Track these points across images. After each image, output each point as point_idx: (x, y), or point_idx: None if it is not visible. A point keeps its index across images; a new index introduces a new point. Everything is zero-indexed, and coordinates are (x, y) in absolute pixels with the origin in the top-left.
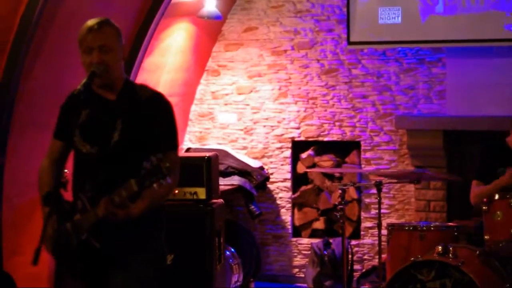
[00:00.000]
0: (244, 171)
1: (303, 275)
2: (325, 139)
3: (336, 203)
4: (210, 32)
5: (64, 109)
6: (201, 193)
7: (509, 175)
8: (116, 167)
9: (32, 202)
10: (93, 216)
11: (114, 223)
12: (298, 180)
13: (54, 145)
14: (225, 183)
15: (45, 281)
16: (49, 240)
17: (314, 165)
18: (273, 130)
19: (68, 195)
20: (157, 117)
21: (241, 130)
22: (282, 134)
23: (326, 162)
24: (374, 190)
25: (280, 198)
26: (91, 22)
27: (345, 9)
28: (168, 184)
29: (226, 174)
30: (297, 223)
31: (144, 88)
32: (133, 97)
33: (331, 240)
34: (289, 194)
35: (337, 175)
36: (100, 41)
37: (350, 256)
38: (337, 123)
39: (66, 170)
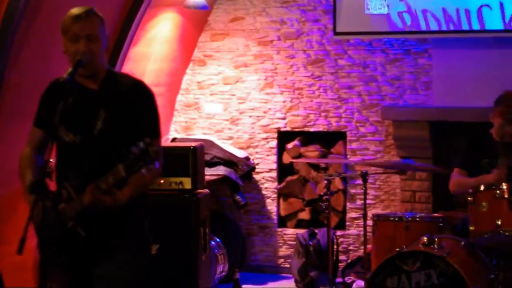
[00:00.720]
0: (229, 161)
1: (288, 266)
2: (311, 129)
3: (322, 193)
4: (196, 22)
5: (45, 97)
6: (187, 183)
7: (496, 175)
8: (100, 155)
9: (17, 192)
10: (79, 204)
11: (99, 211)
12: (283, 170)
13: (35, 133)
14: (210, 173)
15: (30, 270)
16: (37, 227)
17: (299, 156)
18: (259, 120)
19: (52, 184)
20: (139, 105)
21: (227, 120)
22: (268, 125)
23: (312, 152)
24: (359, 181)
25: (266, 188)
26: (76, 10)
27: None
28: (156, 169)
29: (211, 164)
30: (282, 213)
31: (125, 76)
32: (115, 86)
33: (316, 231)
34: (275, 184)
35: (322, 165)
36: (88, 30)
37: (335, 246)
38: (323, 114)
39: (51, 160)
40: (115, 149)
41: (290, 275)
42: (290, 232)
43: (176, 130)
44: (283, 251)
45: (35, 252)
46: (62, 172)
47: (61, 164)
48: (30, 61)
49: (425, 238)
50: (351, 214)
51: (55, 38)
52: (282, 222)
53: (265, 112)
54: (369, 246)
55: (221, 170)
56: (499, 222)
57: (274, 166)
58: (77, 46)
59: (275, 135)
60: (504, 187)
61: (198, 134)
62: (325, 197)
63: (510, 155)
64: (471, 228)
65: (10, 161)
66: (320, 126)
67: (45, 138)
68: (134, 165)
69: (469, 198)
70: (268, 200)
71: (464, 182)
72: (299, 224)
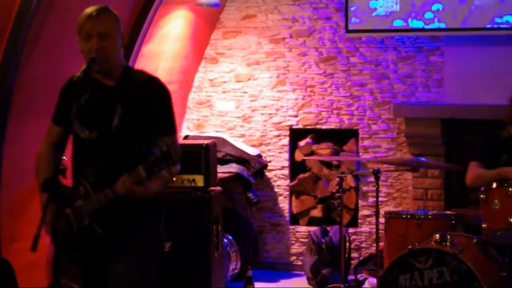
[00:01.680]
0: (242, 158)
1: (300, 263)
2: (323, 127)
3: (334, 191)
4: (209, 19)
5: (63, 94)
6: (199, 180)
7: None
8: (117, 151)
9: (30, 189)
10: (99, 200)
11: (116, 208)
12: (296, 168)
13: (53, 130)
14: (223, 170)
15: (43, 267)
16: (49, 226)
17: (312, 153)
18: (271, 118)
19: (67, 182)
20: (155, 101)
21: (239, 117)
22: (280, 122)
23: (324, 150)
24: (371, 178)
25: (278, 186)
26: (90, 9)
27: None
28: (176, 170)
29: (224, 161)
30: (294, 211)
31: (141, 73)
32: (131, 82)
33: (328, 228)
34: (287, 182)
35: (335, 163)
36: (100, 28)
37: (347, 244)
38: (335, 111)
39: (64, 157)
40: (131, 145)
41: (303, 273)
42: (302, 229)
43: (188, 128)
44: (295, 248)
45: (48, 250)
46: (79, 168)
47: (78, 160)
48: (42, 60)
49: (438, 235)
50: (363, 212)
51: (67, 37)
52: (294, 219)
53: (277, 110)
54: (381, 244)
55: (233, 168)
56: None
57: (286, 163)
58: (90, 44)
59: (287, 133)
60: None
61: (210, 131)
62: (337, 194)
63: None
64: (483, 225)
65: (22, 159)
66: (332, 123)
67: (62, 135)
68: (155, 166)
69: (481, 196)
70: (280, 198)
71: (484, 174)
72: (311, 222)
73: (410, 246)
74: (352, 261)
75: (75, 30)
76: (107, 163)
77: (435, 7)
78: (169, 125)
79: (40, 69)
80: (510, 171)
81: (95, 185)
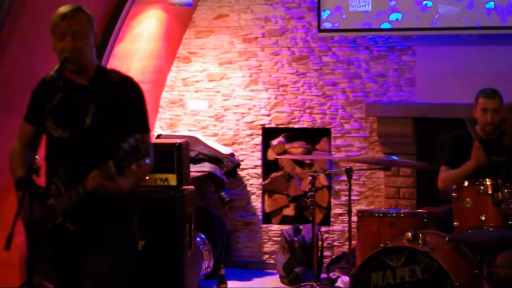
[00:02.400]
0: (214, 157)
1: (273, 262)
2: (296, 126)
3: (307, 189)
4: (181, 19)
5: (36, 93)
6: (172, 179)
7: (474, 159)
8: (89, 151)
9: (3, 188)
10: (71, 198)
11: (88, 206)
12: (268, 167)
13: (25, 129)
14: (196, 169)
15: (16, 266)
16: (25, 224)
17: (284, 152)
18: (243, 117)
19: (40, 181)
20: (129, 100)
21: (212, 117)
22: (253, 121)
23: (296, 149)
24: (344, 177)
25: (251, 184)
26: (64, 9)
27: None
28: (146, 164)
29: (196, 160)
30: (267, 209)
31: (114, 72)
32: (104, 82)
33: (301, 227)
34: (260, 180)
35: (307, 162)
36: (74, 28)
37: (320, 242)
38: (307, 110)
39: (37, 157)
40: (104, 144)
41: (275, 271)
42: (275, 228)
43: (161, 127)
44: (268, 247)
45: (21, 249)
46: (52, 167)
47: (51, 159)
48: (15, 57)
49: (410, 233)
50: (335, 210)
51: (41, 34)
52: (267, 218)
53: (249, 109)
54: (354, 242)
55: (206, 167)
56: (483, 218)
57: (259, 162)
58: (64, 44)
59: (260, 132)
60: (488, 183)
61: (183, 130)
62: (309, 193)
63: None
64: (455, 223)
65: None
66: (304, 122)
67: (35, 134)
68: (124, 161)
69: (453, 194)
70: (253, 197)
71: (449, 176)
72: (284, 220)
73: (382, 245)
74: (324, 260)
75: (48, 29)
76: (79, 162)
77: (393, 17)
78: (143, 124)
79: (13, 67)
80: (469, 164)
81: (67, 183)
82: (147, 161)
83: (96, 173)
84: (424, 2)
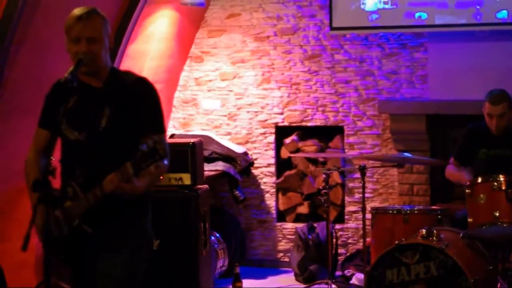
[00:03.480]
0: (228, 156)
1: (288, 260)
2: (309, 124)
3: (320, 187)
4: (193, 18)
5: (50, 97)
6: (186, 179)
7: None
8: (105, 153)
9: (18, 189)
10: (88, 201)
11: (104, 208)
12: (282, 165)
13: (40, 135)
14: (209, 168)
15: (32, 267)
16: (39, 227)
17: (297, 150)
18: (256, 115)
19: (55, 182)
20: (143, 101)
21: (225, 116)
22: (266, 120)
23: (309, 147)
24: (357, 175)
25: (264, 183)
26: (79, 11)
27: None
28: (164, 165)
29: (210, 160)
30: (281, 207)
31: (128, 74)
32: (119, 83)
33: (315, 225)
34: (273, 179)
35: (320, 160)
36: (89, 33)
37: (334, 240)
38: (320, 108)
39: (52, 158)
40: (120, 146)
41: (290, 269)
42: (289, 226)
43: (174, 127)
44: (283, 245)
45: (37, 250)
46: (68, 170)
47: (67, 162)
48: (28, 58)
49: (424, 230)
50: (349, 208)
51: (53, 35)
52: (281, 216)
53: (262, 108)
54: (368, 239)
55: (220, 166)
56: (497, 214)
57: (272, 161)
58: (79, 47)
59: (273, 130)
60: (502, 179)
61: (196, 130)
62: (323, 191)
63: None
64: (469, 220)
65: (10, 159)
66: (317, 120)
67: (50, 139)
68: (143, 162)
69: (467, 191)
70: (266, 195)
71: (454, 175)
72: (298, 218)
73: (396, 242)
74: (339, 257)
75: (62, 30)
76: (95, 164)
77: (418, 3)
78: (158, 125)
79: (26, 69)
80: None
81: (83, 186)
82: (165, 162)
83: (114, 176)
84: (417, 14)
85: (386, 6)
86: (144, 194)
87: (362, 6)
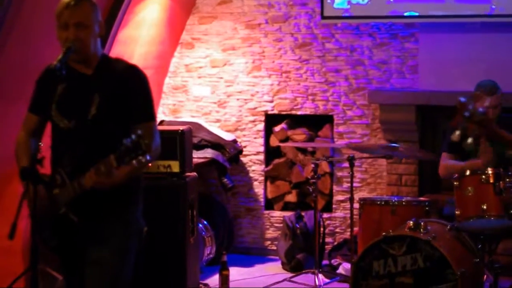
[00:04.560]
0: (217, 144)
1: (275, 248)
2: (298, 112)
3: (309, 176)
4: (184, 5)
5: (40, 83)
6: (175, 166)
7: (483, 160)
8: (94, 141)
9: (5, 175)
10: (74, 189)
11: (92, 196)
12: (271, 153)
13: (30, 119)
14: (198, 156)
15: (19, 254)
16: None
17: (287, 139)
18: (246, 103)
19: (44, 170)
20: (133, 89)
21: (215, 103)
22: (256, 108)
23: (299, 135)
24: (346, 164)
25: (253, 171)
26: None
27: None
28: (147, 160)
29: (199, 147)
30: (269, 196)
31: (119, 61)
32: (109, 71)
33: (303, 213)
34: (262, 167)
35: (310, 149)
36: (77, 18)
37: (322, 229)
38: (310, 97)
39: (41, 144)
40: (109, 134)
41: (277, 257)
42: (277, 214)
43: (164, 113)
44: (270, 233)
45: (24, 236)
46: (57, 157)
47: (56, 149)
48: (17, 45)
49: (411, 222)
50: (337, 197)
51: (43, 22)
52: (269, 204)
53: (252, 95)
54: (355, 229)
55: (208, 153)
56: (485, 207)
57: (262, 149)
58: (67, 33)
59: (263, 118)
60: (490, 172)
61: (186, 116)
62: (312, 180)
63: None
64: (457, 212)
65: None
66: (307, 109)
67: (40, 124)
68: (126, 156)
69: (455, 183)
70: (255, 183)
71: (452, 167)
72: (286, 207)
73: (384, 233)
74: (326, 246)
75: (50, 17)
76: (84, 152)
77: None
78: (148, 113)
79: (14, 56)
80: (477, 164)
81: (71, 174)
82: (148, 157)
83: (93, 172)
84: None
85: None
86: (132, 185)
87: None
